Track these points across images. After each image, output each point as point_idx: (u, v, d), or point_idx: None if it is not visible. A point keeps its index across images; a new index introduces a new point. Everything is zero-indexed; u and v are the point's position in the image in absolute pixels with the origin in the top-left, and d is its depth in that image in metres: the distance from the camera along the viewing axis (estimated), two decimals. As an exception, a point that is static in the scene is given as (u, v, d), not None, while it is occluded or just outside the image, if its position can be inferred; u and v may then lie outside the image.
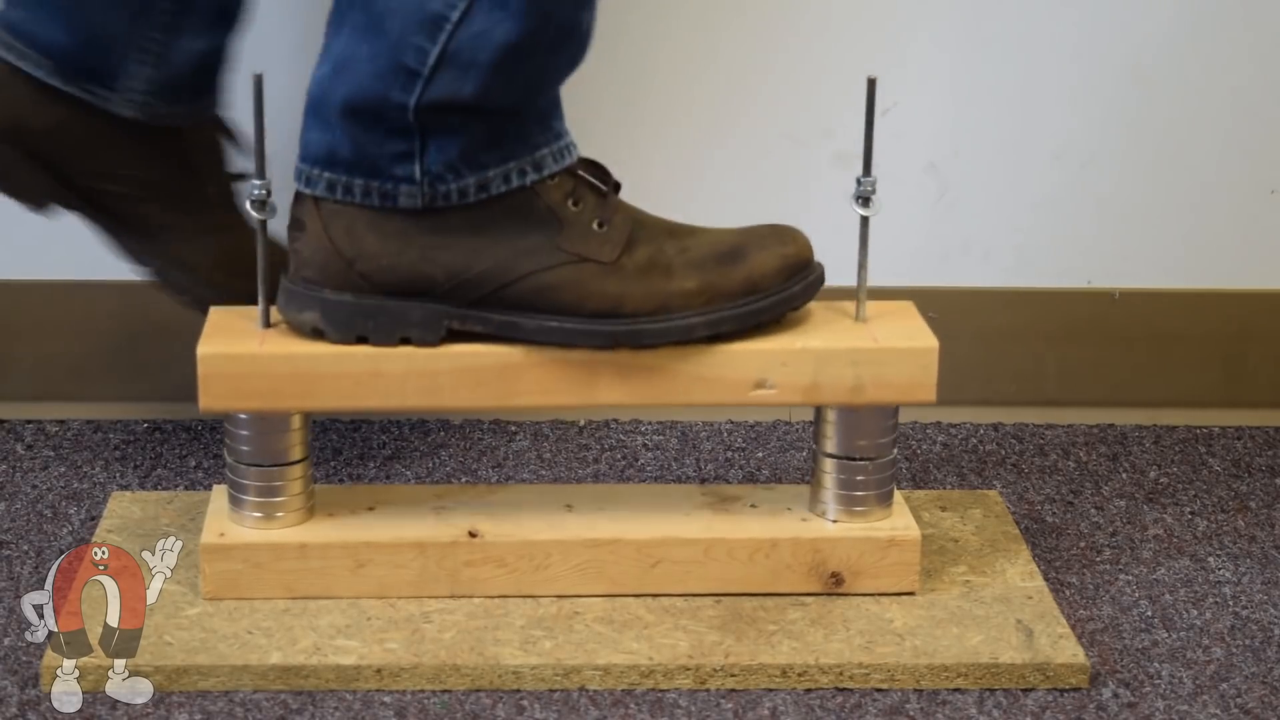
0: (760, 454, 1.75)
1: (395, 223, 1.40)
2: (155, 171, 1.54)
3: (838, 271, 1.48)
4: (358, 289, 1.40)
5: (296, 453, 1.44)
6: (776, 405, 1.44)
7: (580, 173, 1.42)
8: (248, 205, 1.40)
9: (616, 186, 1.44)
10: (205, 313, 1.47)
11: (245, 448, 1.43)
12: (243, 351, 1.40)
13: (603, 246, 1.41)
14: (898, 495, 1.50)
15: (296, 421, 1.43)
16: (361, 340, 1.41)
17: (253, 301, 1.44)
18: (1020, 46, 1.75)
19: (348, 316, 1.40)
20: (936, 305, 1.67)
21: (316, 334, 1.41)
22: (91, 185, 1.53)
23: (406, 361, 1.41)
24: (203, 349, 1.40)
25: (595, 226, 1.41)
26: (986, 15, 1.74)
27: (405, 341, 1.41)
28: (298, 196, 1.42)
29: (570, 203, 1.41)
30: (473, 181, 1.40)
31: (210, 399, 1.40)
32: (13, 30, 1.50)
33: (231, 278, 1.52)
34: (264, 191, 1.40)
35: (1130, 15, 1.74)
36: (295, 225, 1.42)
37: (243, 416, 1.42)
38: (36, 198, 1.53)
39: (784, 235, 1.44)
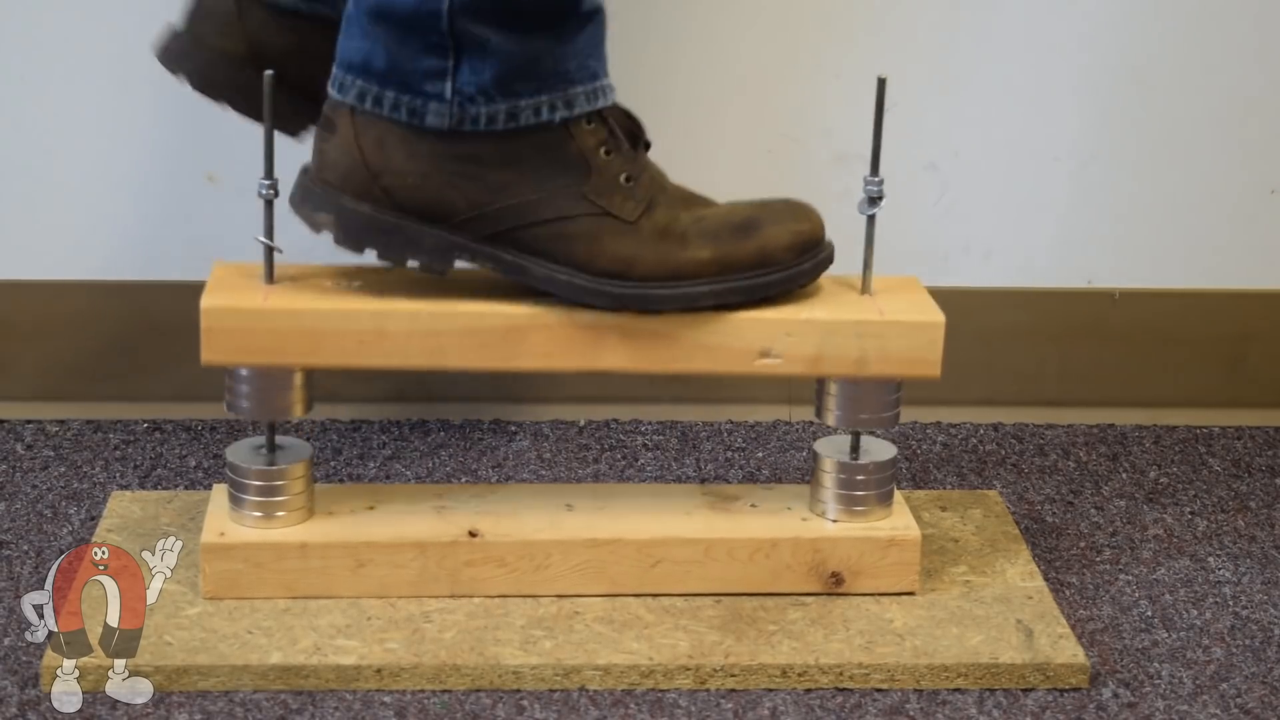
0: (760, 454, 1.74)
1: (426, 143, 1.39)
2: None
3: (837, 271, 1.48)
4: (377, 202, 1.39)
5: (297, 410, 1.43)
6: (780, 376, 1.43)
7: (612, 122, 1.41)
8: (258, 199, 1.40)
9: (647, 146, 1.44)
10: None
11: (245, 403, 1.42)
12: (247, 306, 1.39)
13: (626, 203, 1.41)
14: (898, 495, 1.50)
15: (298, 379, 1.42)
16: (367, 251, 1.39)
17: None
18: (1020, 47, 1.75)
19: (361, 228, 1.39)
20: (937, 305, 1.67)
21: (326, 234, 1.39)
22: None
23: (411, 321, 1.40)
24: (206, 302, 1.39)
25: (623, 180, 1.41)
26: (987, 15, 1.74)
27: (411, 265, 1.39)
28: (330, 100, 1.41)
29: (602, 151, 1.41)
30: (503, 108, 1.39)
31: (212, 353, 1.39)
32: None
33: None
34: (272, 190, 1.40)
35: (1131, 16, 1.74)
36: (326, 126, 1.41)
37: (244, 372, 1.42)
38: (293, 123, 1.51)
39: (799, 211, 1.44)
